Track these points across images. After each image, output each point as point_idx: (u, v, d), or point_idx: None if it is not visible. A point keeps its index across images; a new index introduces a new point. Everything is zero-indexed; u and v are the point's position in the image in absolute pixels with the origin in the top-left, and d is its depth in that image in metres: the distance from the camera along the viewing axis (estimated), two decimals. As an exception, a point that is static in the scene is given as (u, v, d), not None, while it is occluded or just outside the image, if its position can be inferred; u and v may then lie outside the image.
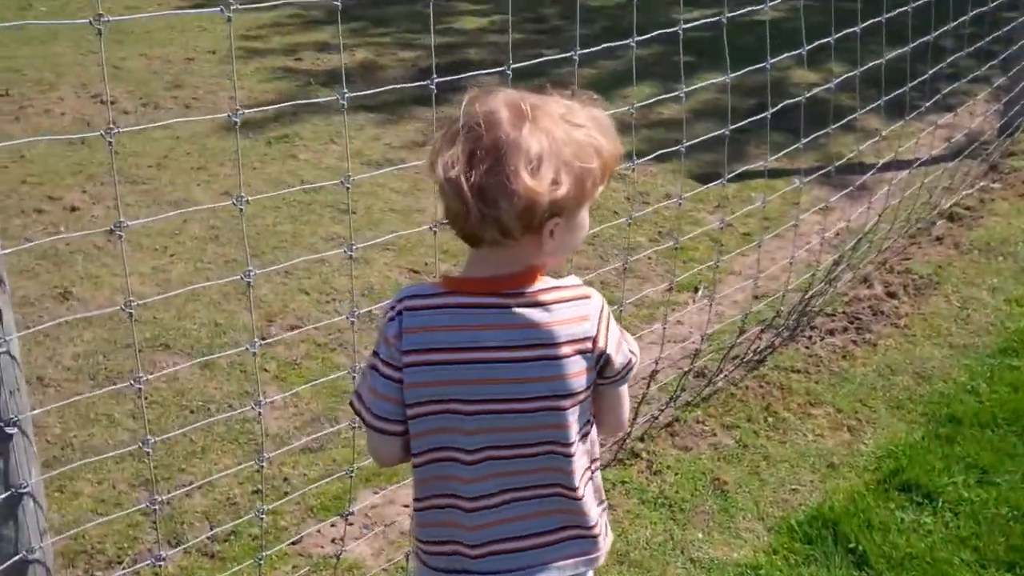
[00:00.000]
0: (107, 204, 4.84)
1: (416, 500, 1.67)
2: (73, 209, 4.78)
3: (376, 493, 3.03)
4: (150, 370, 3.55)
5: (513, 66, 2.38)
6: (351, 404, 1.63)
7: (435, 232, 2.45)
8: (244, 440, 3.27)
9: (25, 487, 1.77)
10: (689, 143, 3.12)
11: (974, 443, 3.15)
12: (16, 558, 1.80)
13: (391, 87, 2.90)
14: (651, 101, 4.15)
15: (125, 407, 3.37)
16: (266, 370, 3.60)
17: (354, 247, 2.36)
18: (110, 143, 1.79)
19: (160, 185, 5.07)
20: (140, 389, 2.02)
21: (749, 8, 3.46)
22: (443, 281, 1.55)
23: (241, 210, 2.14)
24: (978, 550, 2.74)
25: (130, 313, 1.93)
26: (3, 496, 1.75)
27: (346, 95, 2.20)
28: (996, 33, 5.27)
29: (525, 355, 1.52)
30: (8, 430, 1.71)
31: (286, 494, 3.02)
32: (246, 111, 2.05)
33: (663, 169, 5.21)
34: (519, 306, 1.51)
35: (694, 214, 4.79)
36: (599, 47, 3.08)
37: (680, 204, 3.42)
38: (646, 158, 3.59)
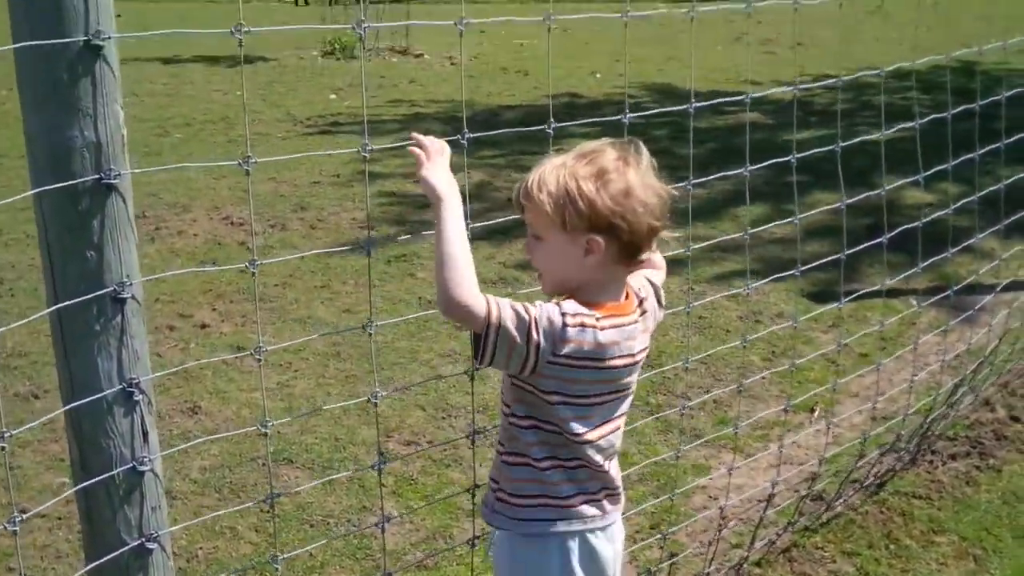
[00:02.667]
0: (235, 321, 5.07)
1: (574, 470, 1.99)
2: (203, 326, 5.01)
3: (490, 613, 3.04)
4: (274, 485, 3.67)
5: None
6: (488, 315, 1.81)
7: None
8: (362, 556, 3.33)
9: (163, 600, 1.86)
10: (804, 268, 3.14)
11: (1110, 577, 3.02)
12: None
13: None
14: (766, 227, 4.19)
15: (248, 520, 3.48)
16: (384, 485, 3.68)
17: (477, 368, 2.42)
18: (253, 274, 1.92)
19: (285, 303, 5.29)
20: (272, 505, 2.11)
21: (862, 138, 3.51)
22: (597, 307, 1.90)
23: (371, 334, 2.24)
24: None
25: (265, 432, 2.04)
26: (142, 609, 1.84)
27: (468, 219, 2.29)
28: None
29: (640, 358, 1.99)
30: (149, 545, 1.81)
31: (401, 611, 3.06)
32: (372, 232, 2.17)
33: (775, 288, 5.21)
34: (639, 321, 1.97)
35: (808, 334, 4.76)
36: (715, 176, 3.16)
37: (796, 326, 3.43)
38: (761, 281, 3.64)
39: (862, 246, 3.48)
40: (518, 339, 1.81)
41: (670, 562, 3.05)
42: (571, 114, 9.14)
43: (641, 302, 2.00)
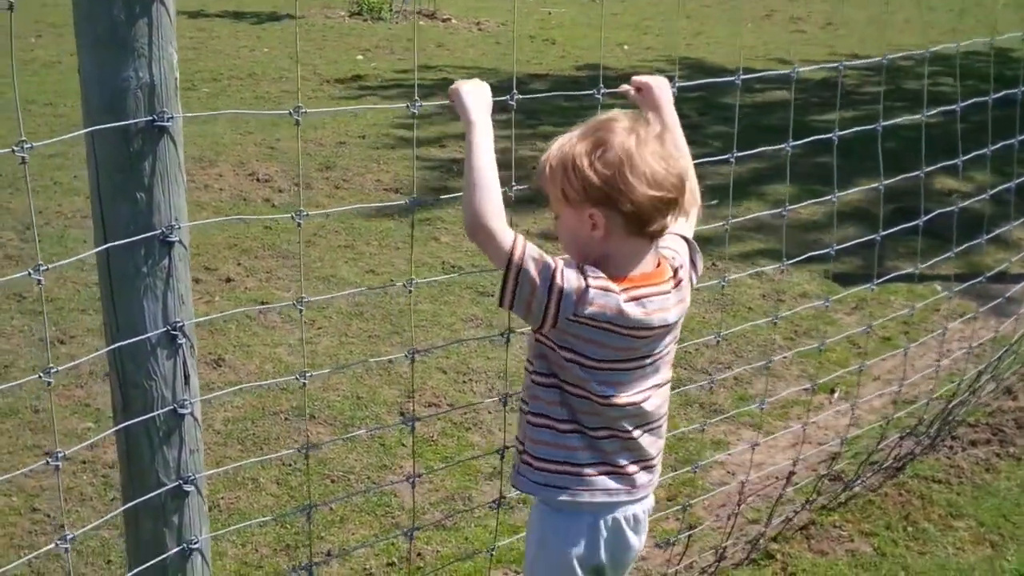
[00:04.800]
0: (259, 277, 5.09)
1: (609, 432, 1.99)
2: (228, 280, 5.03)
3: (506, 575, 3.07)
4: (296, 439, 3.70)
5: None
6: (512, 251, 1.82)
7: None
8: (381, 512, 3.36)
9: (195, 543, 1.88)
10: (838, 247, 3.14)
11: None
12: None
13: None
14: (797, 206, 4.16)
15: (270, 473, 3.51)
16: (404, 445, 3.71)
17: (511, 332, 2.42)
18: (299, 224, 1.93)
19: (309, 260, 5.30)
20: (306, 456, 2.12)
21: (904, 119, 3.49)
22: (622, 280, 1.89)
23: (411, 291, 2.25)
24: None
25: (303, 384, 2.05)
26: (175, 550, 1.86)
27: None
28: None
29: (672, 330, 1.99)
30: (186, 487, 1.83)
31: (419, 569, 3.09)
32: (395, 194, 2.18)
33: (798, 267, 5.19)
34: (672, 292, 1.96)
35: (831, 315, 4.75)
36: (755, 150, 3.14)
37: (828, 306, 3.42)
38: (793, 260, 3.64)
39: (895, 229, 3.45)
40: (539, 283, 1.80)
41: (688, 534, 3.06)
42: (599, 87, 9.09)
43: (676, 271, 1.97)
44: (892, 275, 4.07)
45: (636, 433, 1.99)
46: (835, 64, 3.11)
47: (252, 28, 12.10)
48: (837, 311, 4.80)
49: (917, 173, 3.24)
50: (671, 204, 1.90)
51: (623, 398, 1.94)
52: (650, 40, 11.84)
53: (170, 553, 1.85)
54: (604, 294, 1.84)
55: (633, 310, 1.87)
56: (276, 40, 11.34)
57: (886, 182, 3.17)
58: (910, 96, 7.50)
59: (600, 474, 1.98)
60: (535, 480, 2.00)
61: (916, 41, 10.80)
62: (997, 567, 3.07)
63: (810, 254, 3.38)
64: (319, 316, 4.67)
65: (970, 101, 3.43)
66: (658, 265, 1.95)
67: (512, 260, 1.80)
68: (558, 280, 1.81)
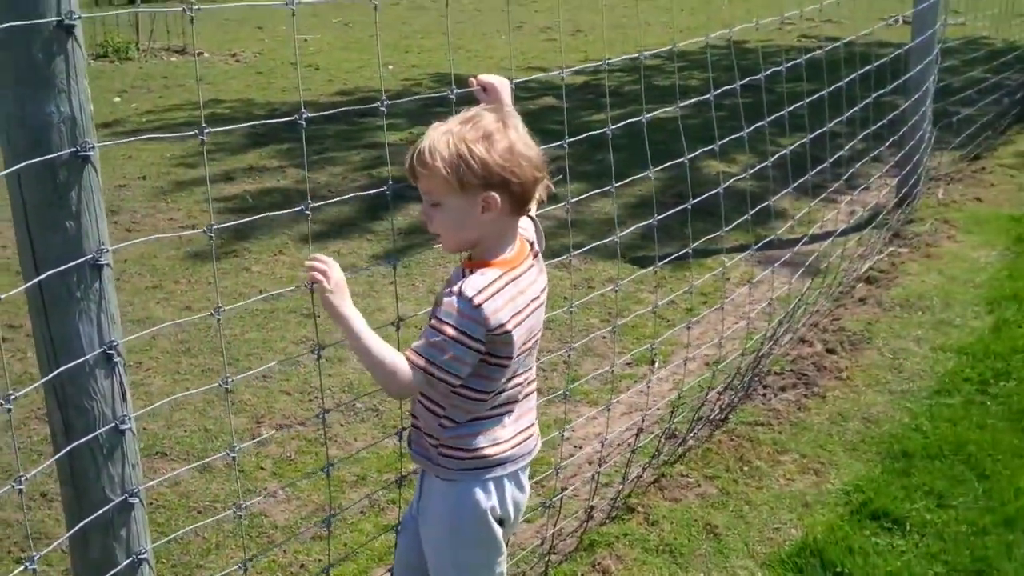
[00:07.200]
0: (71, 327, 4.94)
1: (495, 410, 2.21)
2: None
3: (390, 570, 3.20)
4: (151, 476, 3.67)
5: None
6: (423, 369, 2.05)
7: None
8: (255, 534, 3.41)
9: (143, 553, 1.94)
10: (623, 233, 3.46)
11: (927, 473, 3.51)
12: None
13: (354, 195, 3.10)
14: (584, 196, 4.47)
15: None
16: (263, 468, 3.76)
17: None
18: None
19: (119, 304, 5.18)
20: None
21: (663, 109, 3.87)
22: (498, 264, 2.12)
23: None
24: (948, 563, 3.07)
25: (227, 388, 2.13)
26: (126, 563, 1.91)
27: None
28: (882, 121, 5.80)
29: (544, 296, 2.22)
30: (131, 500, 1.89)
31: (307, 578, 3.18)
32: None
33: (601, 256, 5.58)
34: (534, 264, 2.20)
35: (637, 295, 5.15)
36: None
37: (617, 290, 3.75)
38: (583, 249, 3.97)
39: (672, 212, 3.77)
40: (453, 351, 2.02)
41: (559, 497, 3.29)
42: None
43: (532, 245, 2.24)
44: (673, 256, 4.40)
45: (527, 399, 2.26)
46: (595, 64, 3.38)
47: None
48: (642, 291, 5.21)
49: (682, 159, 3.58)
50: (541, 181, 2.17)
51: (524, 373, 2.21)
52: (412, 58, 12.12)
53: (120, 567, 1.90)
54: (492, 301, 2.05)
55: (515, 291, 2.10)
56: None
57: (657, 169, 3.48)
58: (666, 92, 8.13)
59: (510, 448, 2.23)
60: (460, 467, 2.21)
61: (659, 41, 11.63)
62: (824, 489, 3.49)
63: (598, 243, 3.72)
64: (145, 357, 4.61)
65: (720, 90, 3.83)
66: (519, 244, 2.20)
67: (427, 371, 2.03)
68: (460, 336, 2.02)
